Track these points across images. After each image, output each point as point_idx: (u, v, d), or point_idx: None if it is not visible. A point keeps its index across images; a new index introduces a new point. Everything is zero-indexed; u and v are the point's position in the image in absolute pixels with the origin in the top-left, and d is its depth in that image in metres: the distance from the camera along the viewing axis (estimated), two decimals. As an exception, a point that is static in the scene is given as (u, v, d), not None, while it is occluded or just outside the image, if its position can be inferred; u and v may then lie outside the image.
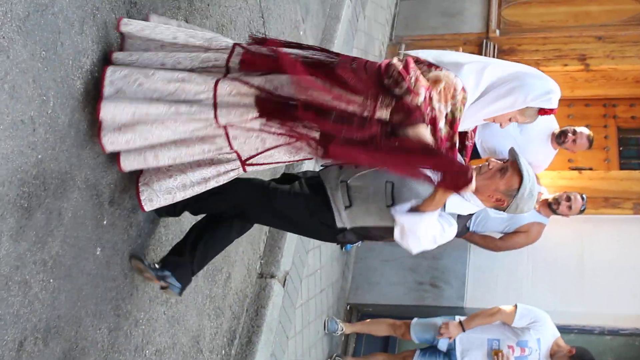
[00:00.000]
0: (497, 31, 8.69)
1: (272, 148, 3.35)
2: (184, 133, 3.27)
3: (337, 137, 3.11)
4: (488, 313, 6.13)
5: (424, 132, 3.11)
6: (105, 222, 3.41)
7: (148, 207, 3.47)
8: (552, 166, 6.90)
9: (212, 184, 3.46)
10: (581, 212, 6.31)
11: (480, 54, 8.47)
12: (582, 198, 6.26)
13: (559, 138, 6.39)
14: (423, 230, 3.33)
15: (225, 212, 3.75)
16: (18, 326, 2.86)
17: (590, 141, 6.45)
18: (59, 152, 3.01)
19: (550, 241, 6.70)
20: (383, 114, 3.12)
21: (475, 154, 6.58)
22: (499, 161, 3.50)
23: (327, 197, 3.55)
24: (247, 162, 3.42)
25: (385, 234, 3.51)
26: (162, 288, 3.75)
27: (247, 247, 5.15)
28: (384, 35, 8.74)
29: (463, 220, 3.57)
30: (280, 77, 3.21)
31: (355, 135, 3.10)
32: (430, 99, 3.13)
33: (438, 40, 8.73)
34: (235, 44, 3.36)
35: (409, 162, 3.12)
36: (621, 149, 8.80)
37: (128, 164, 3.35)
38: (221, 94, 3.21)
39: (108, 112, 3.17)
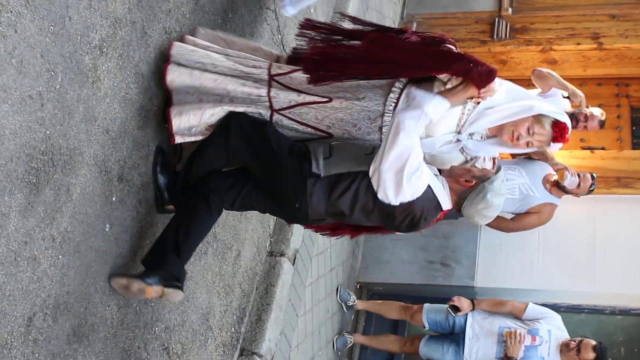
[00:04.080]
0: (510, 9, 8.61)
1: (305, 104, 3.60)
2: (237, 71, 3.67)
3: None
4: (500, 301, 6.14)
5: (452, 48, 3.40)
6: (114, 199, 3.40)
7: (177, 121, 3.55)
8: (564, 145, 6.84)
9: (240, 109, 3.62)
10: (590, 191, 6.25)
11: (492, 32, 8.41)
12: (592, 177, 6.20)
13: (570, 121, 6.33)
14: (431, 106, 3.32)
15: (220, 159, 3.63)
16: (27, 302, 2.86)
17: (602, 124, 6.39)
18: (67, 128, 3.00)
19: (561, 221, 6.66)
20: None
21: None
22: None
23: (308, 148, 3.54)
24: (277, 110, 3.63)
25: (352, 185, 3.43)
26: (162, 294, 3.44)
27: (256, 225, 5.14)
28: (395, 13, 8.68)
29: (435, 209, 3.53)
30: None
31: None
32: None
33: (450, 19, 8.66)
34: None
35: (441, 58, 3.33)
36: (634, 128, 8.73)
37: (174, 75, 3.63)
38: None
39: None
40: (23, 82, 2.72)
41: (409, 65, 3.38)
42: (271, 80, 3.63)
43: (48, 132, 2.88)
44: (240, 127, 3.51)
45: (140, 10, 3.46)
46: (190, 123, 3.54)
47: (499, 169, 3.51)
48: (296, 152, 3.51)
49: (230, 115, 3.55)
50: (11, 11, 2.62)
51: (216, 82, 3.61)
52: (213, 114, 3.54)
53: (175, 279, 3.45)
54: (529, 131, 3.51)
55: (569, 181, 5.98)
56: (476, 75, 3.27)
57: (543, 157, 6.19)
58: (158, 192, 3.72)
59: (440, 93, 3.38)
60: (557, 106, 6.19)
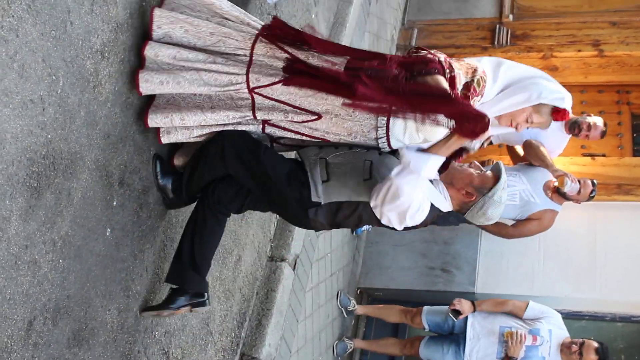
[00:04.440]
0: (511, 16, 8.63)
1: (295, 122, 3.50)
2: (214, 87, 3.43)
3: (362, 74, 3.25)
4: (500, 301, 6.14)
5: (442, 80, 3.25)
6: (115, 203, 3.41)
7: (165, 139, 3.57)
8: (565, 152, 6.86)
9: (230, 127, 3.58)
10: (591, 197, 6.25)
11: (493, 39, 8.42)
12: (593, 183, 6.21)
13: (572, 129, 6.33)
14: (425, 172, 3.32)
15: (216, 174, 3.66)
16: (27, 306, 2.86)
17: (604, 133, 6.40)
18: (69, 132, 3.00)
19: (562, 227, 6.66)
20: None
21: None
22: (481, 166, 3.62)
23: (306, 172, 3.52)
24: (268, 123, 3.56)
25: (355, 212, 3.52)
26: (191, 311, 3.80)
27: (257, 230, 5.15)
28: (397, 20, 8.70)
29: (433, 212, 3.53)
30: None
31: (378, 71, 3.28)
32: (450, 64, 3.34)
33: (451, 25, 8.68)
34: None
35: (428, 105, 3.21)
36: (635, 135, 8.73)
37: (154, 121, 3.50)
38: (257, 53, 3.43)
39: (152, 49, 3.42)
40: (24, 87, 2.73)
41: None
42: (253, 95, 3.47)
43: (49, 136, 2.89)
44: (235, 152, 3.53)
45: (141, 15, 3.47)
46: (178, 140, 3.60)
47: (499, 170, 3.49)
48: (295, 182, 3.52)
49: (224, 136, 3.55)
50: (13, 15, 2.63)
51: (195, 93, 3.52)
52: (201, 134, 3.57)
53: (199, 296, 3.76)
54: (527, 120, 3.53)
55: (569, 187, 5.98)
56: (468, 132, 3.23)
57: (543, 163, 6.20)
58: (164, 195, 3.79)
59: (434, 148, 3.36)
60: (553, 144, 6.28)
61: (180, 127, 3.54)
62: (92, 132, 3.17)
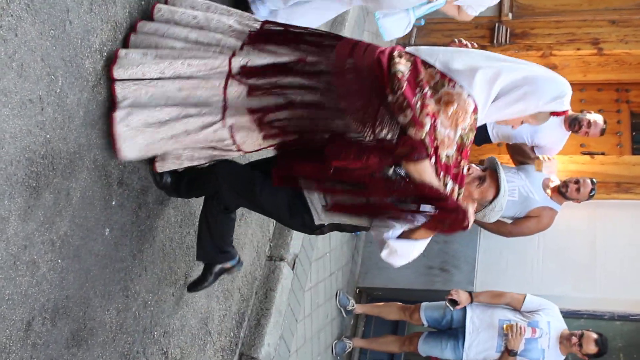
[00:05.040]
0: (510, 14, 8.61)
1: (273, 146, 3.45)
2: (195, 137, 3.33)
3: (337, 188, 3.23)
4: (497, 293, 6.15)
5: (426, 170, 3.02)
6: (114, 203, 3.40)
7: (160, 167, 3.53)
8: (564, 151, 6.85)
9: (218, 156, 3.52)
10: (590, 196, 6.25)
11: (492, 37, 8.41)
12: (592, 182, 6.21)
13: (572, 126, 6.33)
14: (414, 255, 3.36)
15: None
16: (26, 306, 2.85)
17: (603, 130, 6.39)
18: (68, 132, 2.99)
19: (561, 226, 6.66)
20: (383, 133, 3.06)
21: (487, 140, 6.54)
22: (478, 167, 3.53)
23: (305, 199, 3.47)
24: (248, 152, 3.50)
25: (357, 228, 3.57)
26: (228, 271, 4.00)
27: (256, 229, 5.14)
28: (396, 18, 8.66)
29: None
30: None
31: (355, 169, 3.10)
32: (435, 127, 3.00)
33: (449, 24, 8.65)
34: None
35: (410, 209, 3.16)
36: (634, 133, 8.74)
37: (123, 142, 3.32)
38: (230, 96, 3.28)
39: (122, 122, 3.23)
40: (23, 86, 2.72)
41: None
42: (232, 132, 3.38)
43: (48, 136, 2.87)
44: (231, 190, 3.55)
45: (140, 14, 3.46)
46: (170, 168, 3.58)
47: (494, 164, 3.47)
48: (296, 211, 3.51)
49: (217, 175, 3.55)
50: (12, 15, 2.62)
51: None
52: (191, 164, 3.55)
53: (231, 260, 3.94)
54: (522, 123, 3.47)
55: (547, 167, 6.02)
56: (447, 228, 3.21)
57: (525, 155, 6.32)
58: (166, 192, 3.81)
59: (417, 234, 3.28)
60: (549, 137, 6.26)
61: (171, 157, 3.50)
62: (91, 131, 3.16)
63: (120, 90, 3.23)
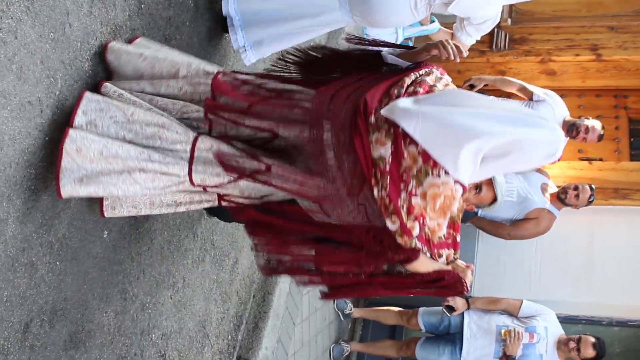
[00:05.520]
0: (509, 20, 8.62)
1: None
2: (154, 190, 2.96)
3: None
4: (494, 299, 6.16)
5: (422, 263, 2.92)
6: (112, 206, 3.40)
7: (109, 213, 3.19)
8: (562, 156, 6.86)
9: (182, 209, 3.24)
10: (589, 202, 6.28)
11: (491, 43, 8.42)
12: (591, 188, 6.23)
13: (570, 132, 6.33)
14: None
15: None
16: (24, 308, 2.86)
17: (601, 136, 6.40)
18: (67, 134, 2.99)
19: (559, 231, 6.67)
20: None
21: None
22: None
23: None
24: (225, 199, 3.18)
25: None
26: None
27: (254, 233, 5.14)
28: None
29: None
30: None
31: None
32: (424, 225, 2.85)
33: (448, 28, 8.67)
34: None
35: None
36: (632, 140, 8.73)
37: (69, 190, 2.89)
38: (200, 148, 2.93)
39: (73, 143, 2.81)
40: (23, 88, 2.73)
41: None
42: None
43: (47, 138, 2.88)
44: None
45: (140, 18, 3.47)
46: (122, 214, 3.23)
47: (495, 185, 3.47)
48: None
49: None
50: (12, 17, 2.62)
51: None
52: (151, 213, 3.27)
53: None
54: None
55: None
56: (444, 294, 3.18)
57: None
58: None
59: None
60: (548, 115, 6.24)
61: (128, 205, 3.17)
62: (90, 134, 3.16)
63: (87, 100, 2.94)
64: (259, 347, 4.98)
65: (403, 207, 2.74)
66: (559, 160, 3.22)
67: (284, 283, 5.37)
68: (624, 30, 8.27)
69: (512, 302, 6.05)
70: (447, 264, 3.10)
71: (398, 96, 2.83)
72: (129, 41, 3.35)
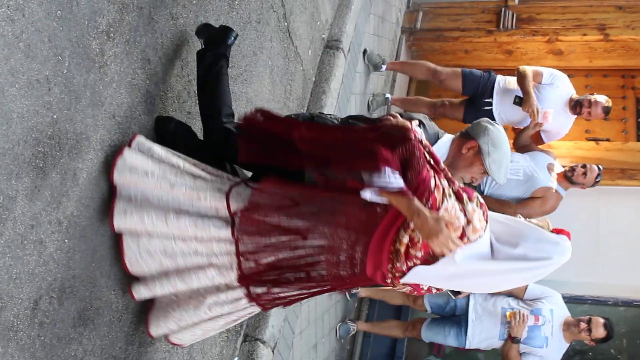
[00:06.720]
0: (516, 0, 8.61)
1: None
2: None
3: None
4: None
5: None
6: (120, 184, 3.40)
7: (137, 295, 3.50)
8: (569, 136, 6.86)
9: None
10: (596, 182, 6.27)
11: (498, 22, 8.40)
12: (599, 168, 6.22)
13: (575, 109, 6.33)
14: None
15: None
16: (33, 285, 2.87)
17: (606, 111, 6.37)
18: (74, 113, 3.00)
19: (565, 212, 6.66)
20: None
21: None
22: None
23: None
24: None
25: None
26: None
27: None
28: (402, 2, 8.67)
29: None
30: None
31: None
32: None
33: (456, 8, 8.65)
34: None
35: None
36: (639, 120, 8.72)
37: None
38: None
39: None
40: (30, 66, 2.73)
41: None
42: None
43: (55, 116, 2.89)
44: None
45: (147, -4, 3.47)
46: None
47: None
48: None
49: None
50: (19, -5, 2.63)
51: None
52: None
53: None
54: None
55: (541, 117, 6.06)
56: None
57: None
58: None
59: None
60: (555, 95, 6.23)
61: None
62: (98, 112, 3.17)
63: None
64: (266, 326, 5.00)
65: None
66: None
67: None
68: (632, 10, 8.24)
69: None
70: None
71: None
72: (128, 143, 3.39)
